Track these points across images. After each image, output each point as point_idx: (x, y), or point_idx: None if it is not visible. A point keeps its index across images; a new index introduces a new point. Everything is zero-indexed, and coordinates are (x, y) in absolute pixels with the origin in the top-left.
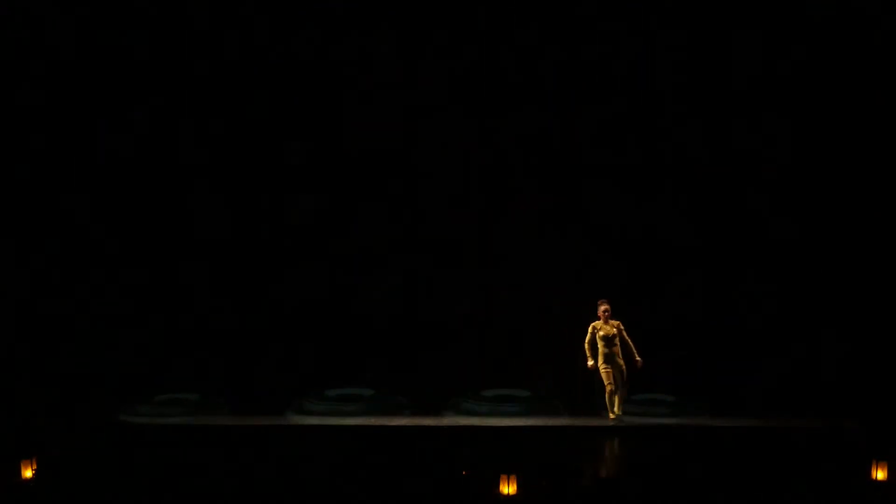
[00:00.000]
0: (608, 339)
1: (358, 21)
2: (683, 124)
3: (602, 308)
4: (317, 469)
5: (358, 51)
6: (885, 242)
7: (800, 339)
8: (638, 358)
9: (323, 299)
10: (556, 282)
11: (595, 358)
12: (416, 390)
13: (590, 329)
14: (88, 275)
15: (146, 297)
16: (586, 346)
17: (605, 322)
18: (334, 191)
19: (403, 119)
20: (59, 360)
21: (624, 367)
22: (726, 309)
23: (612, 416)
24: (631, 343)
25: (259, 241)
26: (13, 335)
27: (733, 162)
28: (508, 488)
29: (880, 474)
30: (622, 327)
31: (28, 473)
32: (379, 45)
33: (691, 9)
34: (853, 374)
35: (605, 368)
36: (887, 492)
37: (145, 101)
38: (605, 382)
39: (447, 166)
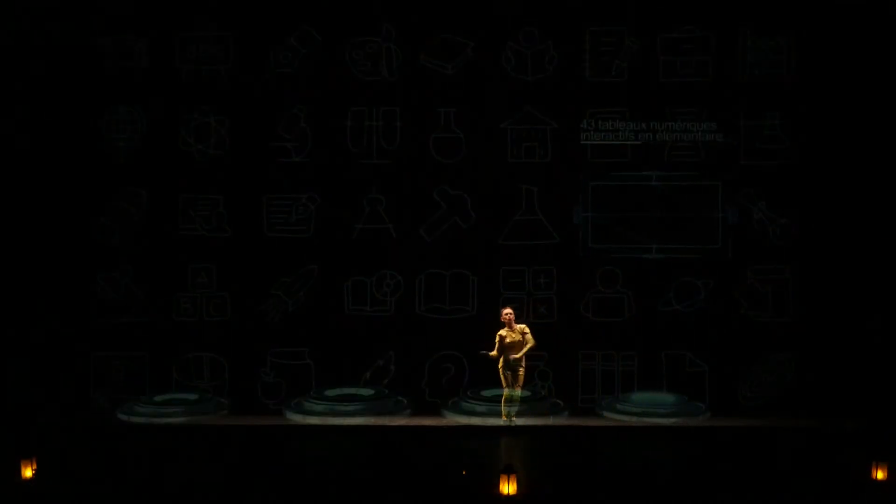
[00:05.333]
0: (511, 346)
1: None
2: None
3: (504, 312)
4: (316, 469)
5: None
6: (886, 241)
7: (801, 339)
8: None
9: (322, 299)
10: (554, 282)
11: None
12: (416, 390)
13: (497, 339)
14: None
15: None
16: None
17: (510, 328)
18: (333, 190)
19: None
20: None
21: (522, 372)
22: (727, 308)
23: (504, 418)
24: (529, 345)
25: (257, 239)
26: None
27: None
28: (508, 488)
29: (880, 474)
30: (527, 331)
31: (28, 473)
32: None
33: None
34: (853, 374)
35: (504, 372)
36: (887, 492)
37: None
38: (504, 385)
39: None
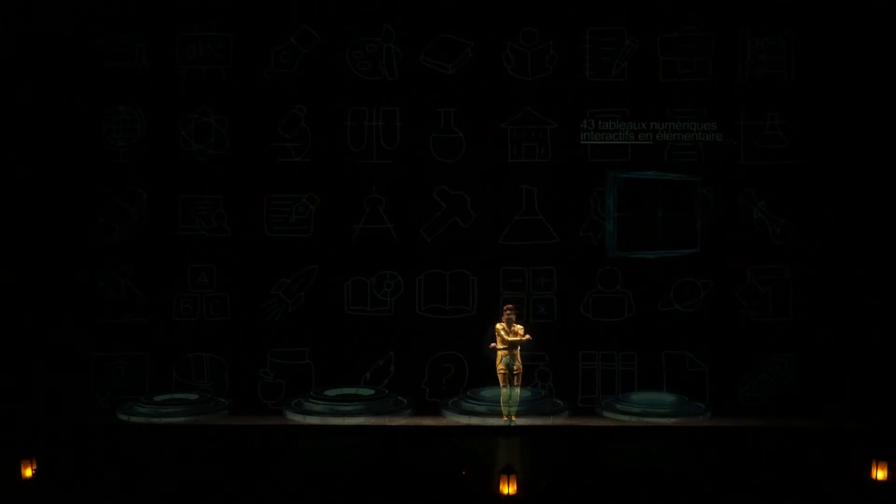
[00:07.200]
0: (510, 344)
1: None
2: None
3: (506, 312)
4: (316, 469)
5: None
6: (886, 241)
7: (801, 339)
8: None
9: (322, 299)
10: (556, 281)
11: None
12: (416, 390)
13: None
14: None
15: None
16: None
17: (509, 326)
18: (333, 190)
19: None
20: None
21: (520, 370)
22: (727, 308)
23: (505, 417)
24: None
25: (257, 239)
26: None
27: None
28: (508, 488)
29: (880, 474)
30: (522, 331)
31: (28, 473)
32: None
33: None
34: (853, 375)
35: (502, 371)
36: (887, 492)
37: None
38: (501, 385)
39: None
